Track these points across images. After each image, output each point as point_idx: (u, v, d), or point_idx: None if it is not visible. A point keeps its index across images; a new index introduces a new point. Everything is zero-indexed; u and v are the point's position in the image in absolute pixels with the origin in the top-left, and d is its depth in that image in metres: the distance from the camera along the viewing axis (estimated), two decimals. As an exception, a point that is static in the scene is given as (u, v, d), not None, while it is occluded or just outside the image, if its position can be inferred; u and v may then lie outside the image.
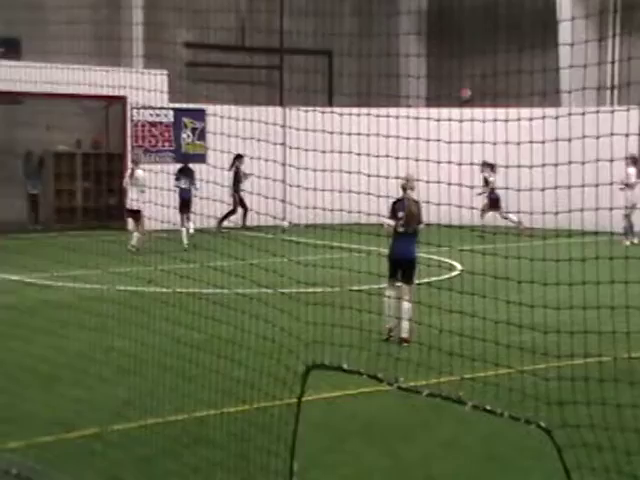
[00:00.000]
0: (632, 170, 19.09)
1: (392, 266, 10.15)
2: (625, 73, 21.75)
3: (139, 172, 19.99)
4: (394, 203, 10.37)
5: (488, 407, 4.82)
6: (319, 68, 28.41)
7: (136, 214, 19.75)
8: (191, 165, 21.12)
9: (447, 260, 16.30)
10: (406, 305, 9.97)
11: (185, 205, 20.24)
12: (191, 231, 19.61)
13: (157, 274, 10.71)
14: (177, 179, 20.82)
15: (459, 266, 15.77)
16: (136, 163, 20.77)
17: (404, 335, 9.96)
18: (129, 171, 20.56)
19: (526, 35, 22.64)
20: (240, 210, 22.94)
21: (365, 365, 5.64)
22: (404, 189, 10.39)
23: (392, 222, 10.14)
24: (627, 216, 19.18)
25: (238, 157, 22.01)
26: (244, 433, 6.62)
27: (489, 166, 19.38)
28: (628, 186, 18.90)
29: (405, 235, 10.12)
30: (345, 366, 5.33)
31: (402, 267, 10.06)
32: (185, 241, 19.23)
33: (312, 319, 7.83)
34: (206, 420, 7.13)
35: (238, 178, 23.06)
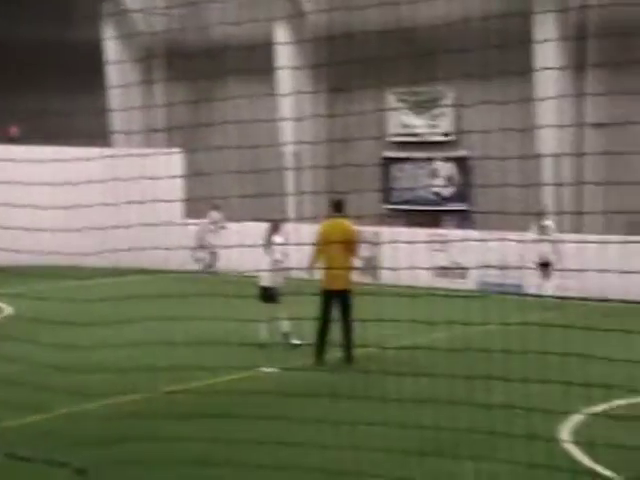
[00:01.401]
0: (214, 214, 19.90)
1: None
2: (171, 117, 22.63)
3: None
4: None
5: (22, 454, 4.68)
6: None
7: None
8: None
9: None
10: None
11: None
12: None
13: None
14: None
15: (9, 309, 15.13)
16: None
17: None
18: None
19: (79, 76, 22.58)
20: None
21: None
22: None
23: None
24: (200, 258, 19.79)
25: None
26: None
27: None
28: (218, 226, 19.67)
29: None
30: None
31: None
32: None
33: None
34: None
35: None
